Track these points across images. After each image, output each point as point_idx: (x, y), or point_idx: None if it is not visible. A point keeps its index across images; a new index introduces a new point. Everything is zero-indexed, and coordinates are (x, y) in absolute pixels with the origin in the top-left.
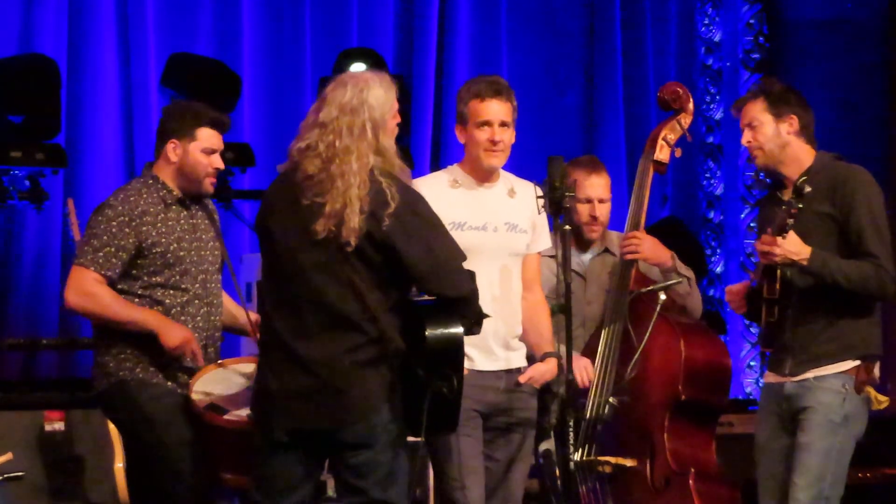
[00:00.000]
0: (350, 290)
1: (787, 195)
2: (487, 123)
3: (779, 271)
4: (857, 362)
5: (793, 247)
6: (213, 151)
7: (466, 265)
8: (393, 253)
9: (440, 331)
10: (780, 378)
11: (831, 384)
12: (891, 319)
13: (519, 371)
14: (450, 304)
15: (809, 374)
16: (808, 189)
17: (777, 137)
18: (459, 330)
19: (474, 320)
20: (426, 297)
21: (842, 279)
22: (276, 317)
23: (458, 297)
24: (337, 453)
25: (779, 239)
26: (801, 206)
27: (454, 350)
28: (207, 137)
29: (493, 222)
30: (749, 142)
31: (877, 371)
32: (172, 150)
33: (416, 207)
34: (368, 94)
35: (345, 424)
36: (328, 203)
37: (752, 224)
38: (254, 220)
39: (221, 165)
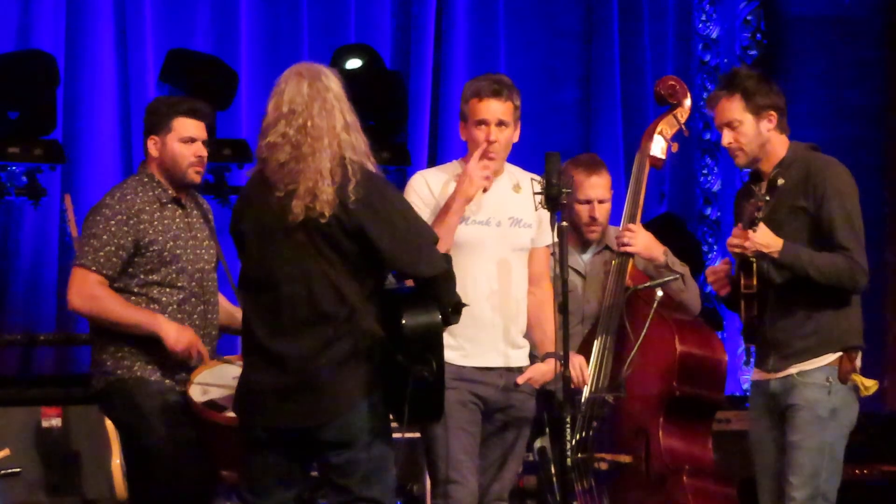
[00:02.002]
0: (325, 282)
1: (763, 188)
2: (484, 122)
3: (754, 265)
4: (840, 354)
5: (763, 239)
6: (191, 140)
7: (471, 259)
8: (363, 236)
9: (417, 317)
10: (765, 375)
11: (815, 378)
12: (889, 316)
13: (520, 371)
14: (425, 286)
15: (793, 370)
16: (780, 181)
17: (758, 136)
18: (437, 315)
19: (452, 307)
20: (404, 286)
21: (813, 272)
22: (253, 318)
23: (432, 276)
24: (319, 452)
25: (749, 232)
26: (768, 198)
27: (433, 335)
28: (183, 126)
29: (496, 217)
30: (730, 143)
31: (858, 361)
32: (153, 146)
33: (382, 189)
34: (327, 78)
35: (322, 423)
36: (301, 184)
37: None
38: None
39: (203, 153)
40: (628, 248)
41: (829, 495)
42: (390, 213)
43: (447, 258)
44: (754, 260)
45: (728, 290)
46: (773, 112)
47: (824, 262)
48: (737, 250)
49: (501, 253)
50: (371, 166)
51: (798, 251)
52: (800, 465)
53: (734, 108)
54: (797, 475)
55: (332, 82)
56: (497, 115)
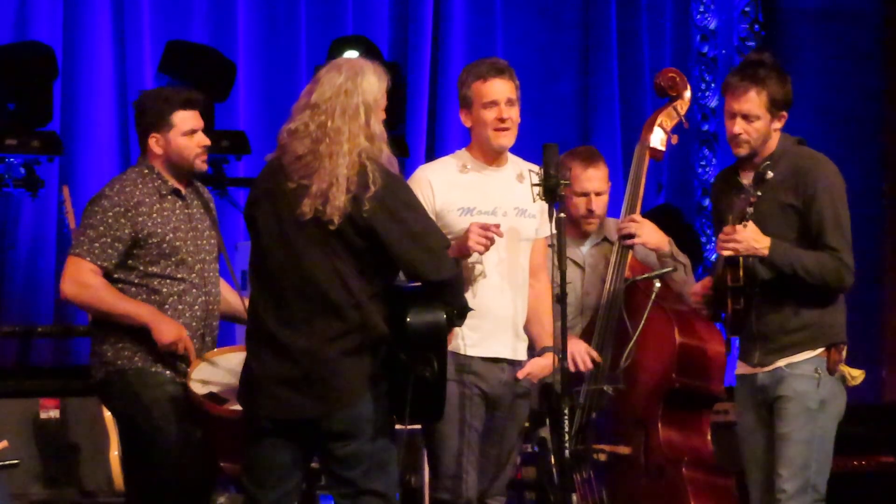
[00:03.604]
0: (334, 275)
1: (745, 178)
2: (494, 103)
3: (741, 259)
4: (825, 348)
5: (753, 236)
6: (194, 131)
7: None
8: (375, 237)
9: (422, 315)
10: (750, 369)
11: (804, 370)
12: (886, 309)
13: (520, 364)
14: (434, 289)
15: (781, 363)
16: (769, 175)
17: (767, 134)
18: (442, 315)
19: (458, 311)
20: (413, 284)
21: (800, 270)
22: (261, 304)
23: (440, 280)
24: (323, 444)
25: (738, 227)
26: (759, 193)
27: (436, 335)
28: (184, 120)
29: (502, 207)
30: (740, 133)
31: (844, 353)
32: (155, 143)
33: (398, 192)
34: (363, 79)
35: (328, 414)
36: (314, 183)
37: None
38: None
39: (207, 142)
40: (635, 240)
41: (819, 487)
42: (404, 216)
43: (457, 263)
44: (741, 256)
45: (708, 311)
46: (785, 114)
47: (812, 262)
48: (730, 245)
49: (507, 243)
50: (393, 169)
51: (785, 249)
52: (790, 457)
53: (759, 104)
54: (787, 467)
55: (369, 84)
56: (505, 94)
